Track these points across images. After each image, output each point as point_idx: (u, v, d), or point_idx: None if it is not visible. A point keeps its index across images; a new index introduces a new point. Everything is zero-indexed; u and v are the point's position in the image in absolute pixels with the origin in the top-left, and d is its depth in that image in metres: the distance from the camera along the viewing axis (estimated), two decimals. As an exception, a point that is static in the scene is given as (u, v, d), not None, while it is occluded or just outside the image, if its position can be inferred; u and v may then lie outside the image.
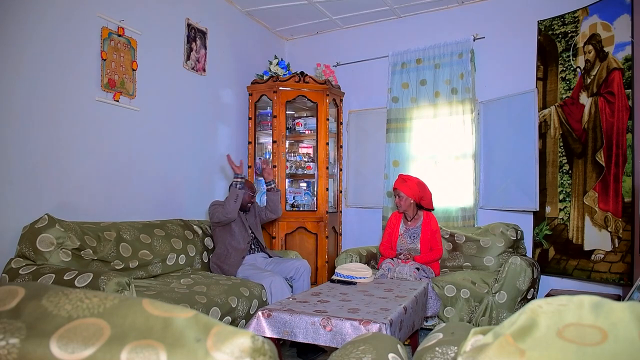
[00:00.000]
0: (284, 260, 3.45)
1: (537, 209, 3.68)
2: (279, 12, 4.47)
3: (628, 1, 3.28)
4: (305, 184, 4.67)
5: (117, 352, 0.52)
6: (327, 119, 4.32)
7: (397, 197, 3.54)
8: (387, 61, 4.56)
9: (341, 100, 4.64)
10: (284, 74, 4.30)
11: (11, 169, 2.57)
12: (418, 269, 3.25)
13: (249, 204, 3.58)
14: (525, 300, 3.19)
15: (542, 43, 3.84)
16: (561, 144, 3.66)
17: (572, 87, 3.62)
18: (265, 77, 4.34)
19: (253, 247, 3.51)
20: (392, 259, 3.39)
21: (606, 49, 3.40)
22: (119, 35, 3.17)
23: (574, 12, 3.64)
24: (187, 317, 0.56)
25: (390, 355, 0.88)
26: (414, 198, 3.51)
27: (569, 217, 3.57)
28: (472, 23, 4.20)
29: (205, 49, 3.99)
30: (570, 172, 3.60)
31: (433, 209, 3.64)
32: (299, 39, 5.13)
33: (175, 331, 0.54)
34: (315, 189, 4.37)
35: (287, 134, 4.31)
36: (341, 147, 4.69)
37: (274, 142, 4.24)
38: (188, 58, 3.81)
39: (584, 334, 0.53)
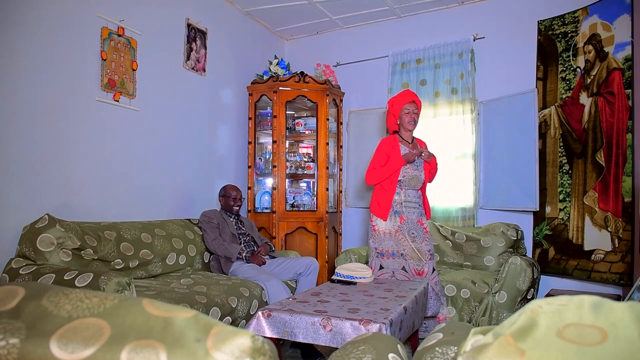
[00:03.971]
0: (293, 258, 3.46)
1: (537, 209, 3.68)
2: (279, 12, 4.47)
3: (628, 1, 3.28)
4: (305, 184, 4.67)
5: (117, 352, 0.52)
6: (327, 119, 4.32)
7: (413, 113, 3.12)
8: (387, 61, 4.56)
9: (341, 100, 4.64)
10: (284, 74, 4.30)
11: (12, 168, 2.57)
12: (434, 268, 3.10)
13: (236, 208, 3.61)
14: (525, 300, 3.19)
15: (542, 43, 3.84)
16: (561, 144, 3.66)
17: (572, 87, 3.62)
18: (265, 77, 4.34)
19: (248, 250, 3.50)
20: (404, 270, 3.07)
21: (606, 49, 3.40)
22: (119, 35, 3.17)
23: (574, 12, 3.64)
24: (187, 317, 0.56)
25: (390, 355, 0.88)
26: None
27: (569, 217, 3.57)
28: (472, 23, 4.20)
29: (205, 49, 3.99)
30: (570, 172, 3.60)
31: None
32: (299, 39, 5.13)
33: (175, 331, 0.54)
34: (315, 189, 4.37)
35: (287, 134, 4.31)
36: (341, 147, 4.69)
37: (274, 142, 4.24)
38: (188, 58, 3.81)
39: (584, 334, 0.53)
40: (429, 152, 3.16)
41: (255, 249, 3.50)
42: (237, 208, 3.62)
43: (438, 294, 3.07)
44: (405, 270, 3.10)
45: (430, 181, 3.29)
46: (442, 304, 3.09)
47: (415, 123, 3.16)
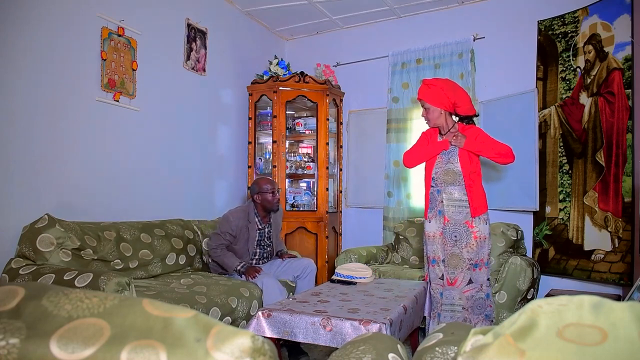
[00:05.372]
0: (290, 260, 3.44)
1: (537, 209, 3.68)
2: (279, 12, 4.47)
3: (628, 1, 3.28)
4: (305, 184, 4.67)
5: (117, 352, 0.52)
6: (327, 119, 4.32)
7: (424, 109, 2.81)
8: (387, 61, 4.56)
9: (341, 100, 4.64)
10: (284, 74, 4.30)
11: (11, 168, 2.57)
12: (471, 280, 2.71)
13: (276, 202, 3.34)
14: (525, 300, 3.19)
15: (542, 43, 3.84)
16: (561, 144, 3.66)
17: (572, 87, 3.62)
18: (265, 77, 4.34)
19: (256, 262, 3.39)
20: (442, 279, 2.76)
21: (606, 49, 3.40)
22: (119, 35, 3.17)
23: (574, 12, 3.64)
24: (187, 317, 0.56)
25: (390, 355, 0.88)
26: (444, 107, 2.75)
27: (569, 217, 3.57)
28: (472, 23, 4.20)
29: (205, 49, 3.99)
30: (570, 172, 3.60)
31: (476, 115, 2.85)
32: (299, 39, 5.13)
33: (176, 331, 0.54)
34: (315, 189, 4.37)
35: (287, 134, 4.31)
36: (341, 147, 4.69)
37: (274, 142, 4.24)
38: (188, 58, 3.81)
39: (584, 334, 0.53)
40: (455, 134, 2.71)
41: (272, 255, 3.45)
42: (277, 202, 3.33)
43: (467, 309, 2.70)
44: (442, 279, 2.78)
45: (503, 160, 2.75)
46: (469, 320, 2.72)
47: (430, 121, 2.81)
